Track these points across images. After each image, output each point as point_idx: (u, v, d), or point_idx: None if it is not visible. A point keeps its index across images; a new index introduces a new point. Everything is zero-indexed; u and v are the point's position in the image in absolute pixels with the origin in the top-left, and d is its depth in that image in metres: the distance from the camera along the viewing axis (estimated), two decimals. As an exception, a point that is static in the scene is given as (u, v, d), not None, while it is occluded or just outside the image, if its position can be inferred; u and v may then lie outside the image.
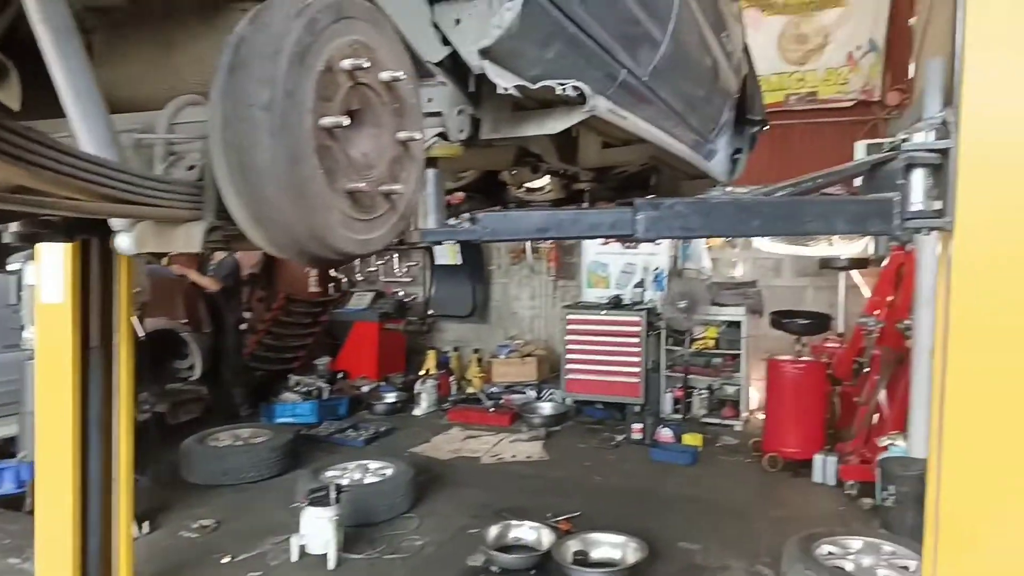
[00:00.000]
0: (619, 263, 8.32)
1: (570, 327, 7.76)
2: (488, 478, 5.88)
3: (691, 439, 6.64)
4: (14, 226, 1.88)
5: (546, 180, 3.64)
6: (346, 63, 1.16)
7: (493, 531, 4.47)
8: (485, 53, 1.64)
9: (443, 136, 1.77)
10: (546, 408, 7.75)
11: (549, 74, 1.77)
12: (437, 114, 1.74)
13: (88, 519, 3.56)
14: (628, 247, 8.11)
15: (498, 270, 9.55)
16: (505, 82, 1.66)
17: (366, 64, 1.19)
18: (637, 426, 6.89)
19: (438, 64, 1.69)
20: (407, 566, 4.28)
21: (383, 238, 1.33)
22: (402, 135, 1.33)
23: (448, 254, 8.89)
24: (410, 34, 1.58)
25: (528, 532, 4.53)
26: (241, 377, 7.60)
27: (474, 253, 8.97)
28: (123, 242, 1.24)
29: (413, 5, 1.62)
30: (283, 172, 1.06)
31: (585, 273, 8.54)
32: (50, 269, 3.40)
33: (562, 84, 1.72)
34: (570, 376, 7.71)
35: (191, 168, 1.22)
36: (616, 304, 7.80)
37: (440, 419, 7.73)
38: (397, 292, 9.71)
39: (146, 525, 4.73)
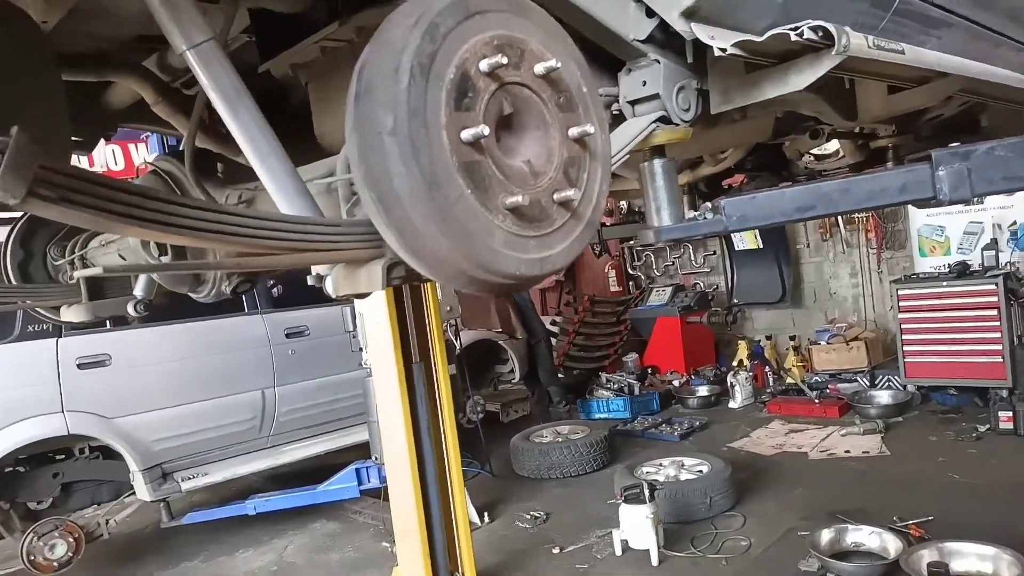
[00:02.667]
0: (959, 223, 7.05)
1: (904, 304, 6.76)
2: (818, 476, 5.35)
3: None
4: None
5: (834, 144, 3.18)
6: (484, 64, 1.02)
7: (826, 535, 4.03)
8: (691, 14, 1.41)
9: (665, 120, 1.55)
10: (883, 397, 6.85)
11: (786, 21, 1.47)
12: (654, 96, 1.52)
13: (430, 510, 4.01)
14: (975, 202, 6.82)
15: (806, 248, 8.73)
16: (721, 42, 1.41)
17: (508, 61, 1.04)
18: (1005, 414, 5.73)
19: (647, 40, 1.49)
20: (733, 567, 4.06)
21: (566, 252, 1.16)
22: (575, 131, 1.15)
23: (747, 238, 8.36)
24: (606, 14, 1.41)
25: (869, 537, 4.00)
26: (556, 377, 8.03)
27: (776, 234, 8.31)
28: (328, 286, 1.22)
29: None
30: (424, 200, 0.96)
31: (915, 240, 7.39)
32: (372, 299, 3.91)
33: (795, 28, 1.40)
34: (910, 359, 6.71)
35: None
36: (962, 272, 6.60)
37: (759, 412, 7.28)
38: (697, 284, 9.42)
39: (486, 515, 5.19)
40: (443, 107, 0.98)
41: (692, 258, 9.55)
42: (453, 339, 5.72)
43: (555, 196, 1.13)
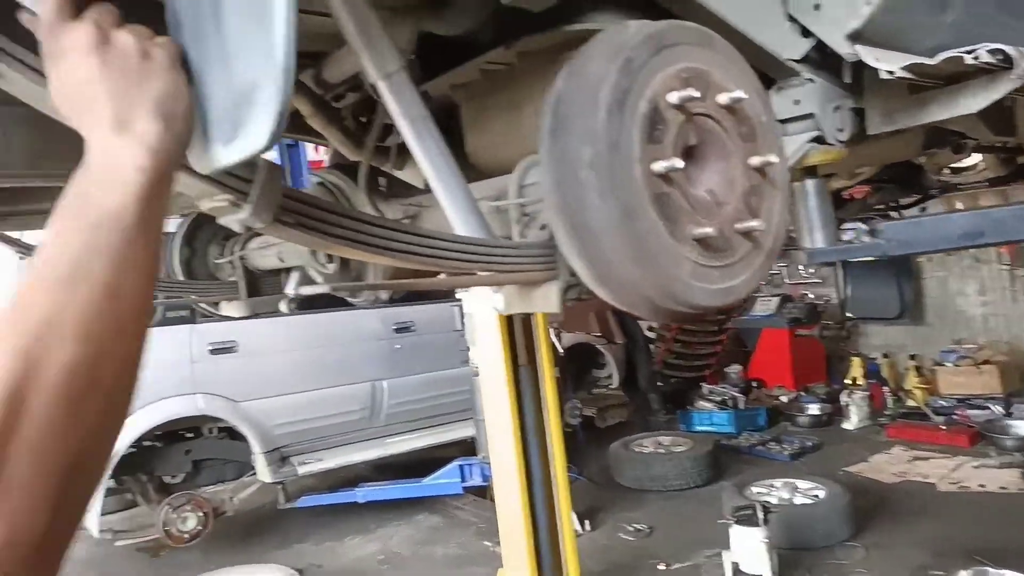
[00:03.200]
0: (1117, 242, 6.43)
1: (1046, 327, 6.24)
2: (948, 509, 5.00)
3: None
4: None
5: (976, 158, 2.97)
6: (673, 97, 1.04)
7: (963, 576, 3.77)
8: (856, 37, 1.37)
9: (819, 140, 1.50)
10: (1022, 428, 6.34)
11: (954, 41, 1.40)
12: (808, 116, 1.49)
13: (536, 513, 4.02)
14: None
15: (929, 262, 8.16)
16: (889, 64, 1.36)
17: (697, 93, 1.05)
18: None
19: (801, 60, 1.46)
20: (854, 602, 3.86)
21: (748, 283, 1.16)
22: (755, 161, 1.15)
23: (867, 249, 7.94)
24: (761, 34, 1.39)
25: (1013, 583, 3.71)
26: (655, 384, 7.88)
27: (899, 245, 7.83)
28: (498, 304, 1.27)
29: (761, 1, 1.41)
30: (618, 230, 0.99)
31: (1061, 257, 6.79)
32: (480, 300, 3.97)
33: (971, 51, 1.33)
34: (1052, 388, 6.19)
35: (543, 228, 1.19)
36: (1117, 295, 6.02)
37: (876, 435, 6.89)
38: (806, 295, 8.99)
39: (587, 523, 5.16)
40: (637, 140, 1.01)
41: (801, 267, 9.13)
42: (556, 341, 5.73)
43: (738, 226, 1.14)
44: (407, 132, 1.15)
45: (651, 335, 8.63)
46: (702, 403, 7.79)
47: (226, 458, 5.37)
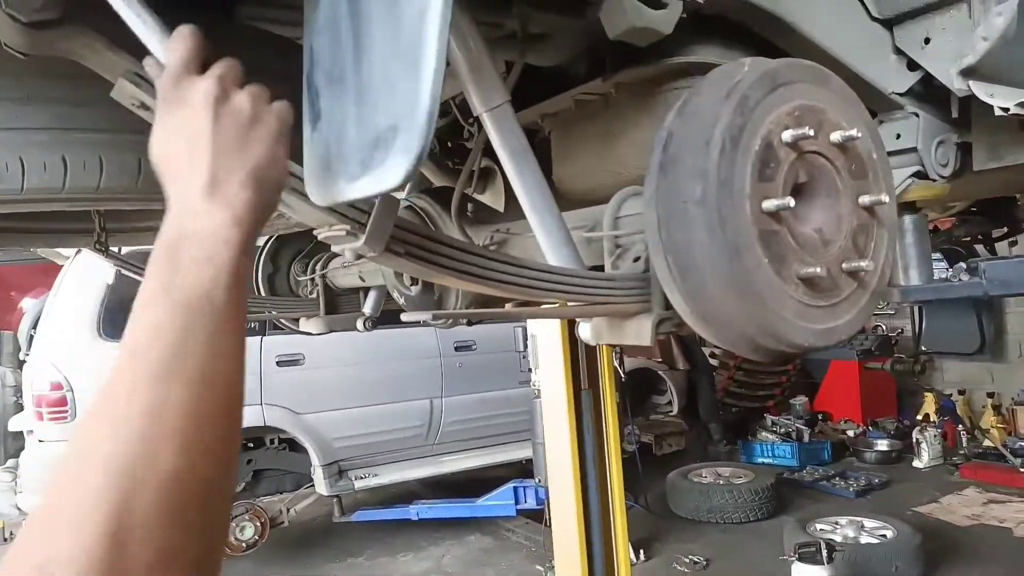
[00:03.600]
0: None
1: None
2: (1025, 557, 4.75)
3: None
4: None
5: None
6: (787, 135, 1.03)
7: (1042, 630, 3.56)
8: (969, 72, 1.34)
9: (920, 174, 1.49)
10: (1104, 474, 5.99)
11: None
12: (910, 150, 1.48)
13: (591, 540, 3.97)
14: None
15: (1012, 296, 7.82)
16: (1004, 101, 1.34)
17: (810, 132, 1.04)
18: None
19: (906, 93, 1.45)
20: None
21: (852, 324, 1.14)
22: (865, 200, 1.13)
23: (945, 281, 7.64)
24: (866, 67, 1.38)
25: (1099, 641, 3.48)
26: (716, 413, 7.71)
27: (979, 277, 7.52)
28: (584, 333, 1.26)
29: (867, 34, 1.40)
30: (724, 268, 0.99)
31: None
32: (545, 322, 3.96)
33: None
34: None
35: (636, 260, 1.19)
36: None
37: (949, 475, 6.59)
38: (878, 326, 8.70)
39: (642, 553, 5.07)
40: (748, 178, 1.01)
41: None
42: (617, 367, 5.67)
43: (844, 266, 1.12)
44: (508, 163, 1.18)
45: (714, 363, 8.46)
46: (765, 434, 7.59)
47: (286, 469, 5.47)
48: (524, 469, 5.66)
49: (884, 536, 4.61)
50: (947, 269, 1.69)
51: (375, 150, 0.67)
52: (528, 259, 1.05)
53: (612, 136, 1.47)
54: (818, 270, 1.06)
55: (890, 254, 1.21)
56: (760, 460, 7.14)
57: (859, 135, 1.10)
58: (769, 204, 1.01)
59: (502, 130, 1.14)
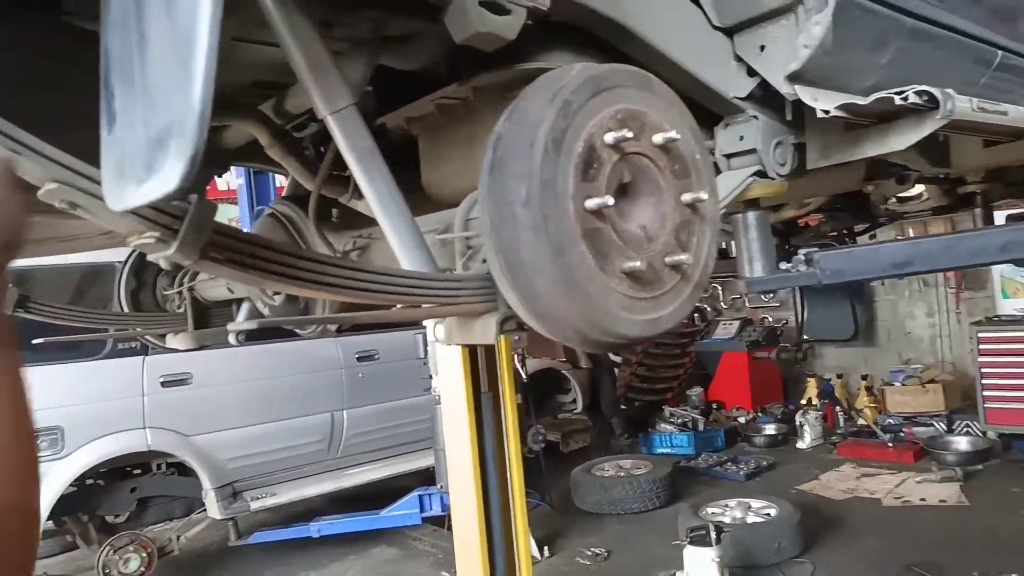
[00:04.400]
0: (1047, 264, 6.73)
1: (984, 347, 6.51)
2: (892, 525, 5.13)
3: None
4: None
5: (919, 188, 3.12)
6: (609, 137, 1.09)
7: (904, 589, 3.87)
8: (795, 77, 1.46)
9: (761, 173, 1.59)
10: (961, 443, 6.57)
11: (889, 81, 1.51)
12: (751, 151, 1.58)
13: (493, 542, 4.01)
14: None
15: (882, 286, 8.45)
16: (825, 104, 1.46)
17: (631, 134, 1.10)
18: (1099, 468, 5.41)
19: (747, 98, 1.55)
20: (803, 618, 3.92)
21: (676, 313, 1.21)
22: (687, 197, 1.20)
23: (819, 273, 8.16)
24: (709, 73, 1.47)
25: (952, 594, 3.82)
26: (618, 408, 7.94)
27: (850, 269, 8.06)
28: (439, 335, 1.30)
29: (709, 42, 1.49)
30: (550, 266, 1.03)
31: (998, 282, 7.09)
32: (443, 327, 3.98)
33: (900, 92, 1.43)
34: (991, 405, 6.42)
35: (485, 260, 1.22)
36: (1049, 315, 6.31)
37: (828, 454, 7.05)
38: (765, 318, 9.22)
39: (546, 550, 5.15)
40: (571, 178, 1.05)
41: (762, 292, 9.36)
42: (519, 368, 5.74)
43: (667, 260, 1.18)
44: (355, 167, 1.19)
45: (617, 359, 8.72)
46: (663, 425, 7.87)
47: (174, 495, 5.22)
48: (430, 477, 5.63)
49: (769, 515, 4.89)
50: (787, 261, 1.81)
51: (157, 152, 0.66)
52: (366, 263, 1.07)
53: (475, 140, 1.50)
54: (641, 264, 1.11)
55: (712, 248, 1.28)
56: (660, 451, 7.41)
57: (679, 137, 1.17)
58: (592, 203, 1.06)
59: (348, 133, 1.15)
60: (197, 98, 0.64)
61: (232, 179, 8.19)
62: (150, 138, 0.68)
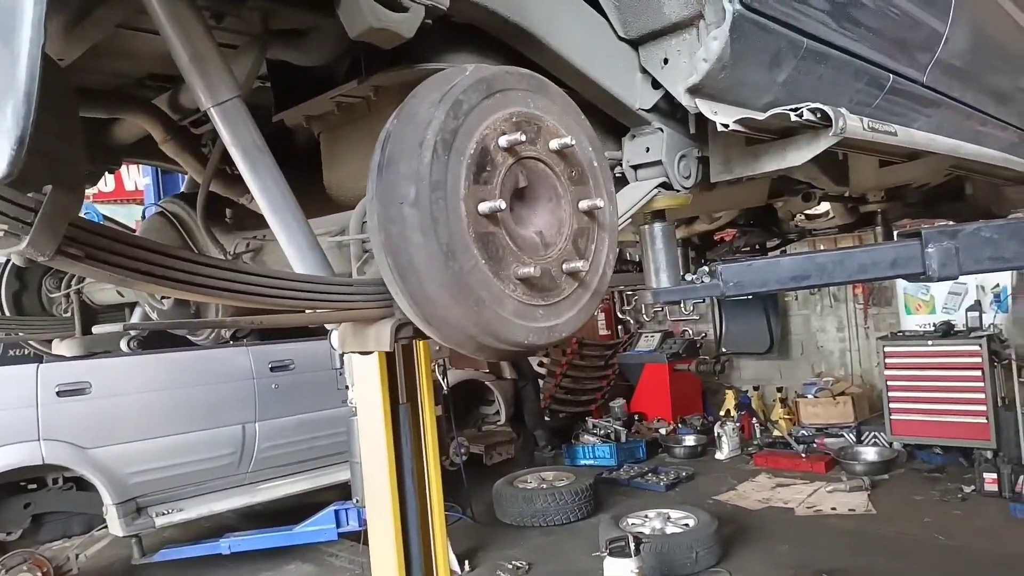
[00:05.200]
0: (943, 285, 7.13)
1: (890, 361, 6.82)
2: (804, 533, 5.30)
3: (1071, 494, 5.32)
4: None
5: (825, 205, 3.25)
6: (503, 140, 1.06)
7: (813, 596, 3.98)
8: (696, 91, 1.48)
9: (666, 185, 1.61)
10: (869, 453, 6.86)
11: (786, 99, 1.55)
12: (656, 163, 1.59)
13: (411, 557, 3.92)
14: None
15: (795, 301, 8.79)
16: (724, 117, 1.48)
17: (524, 137, 1.08)
18: (990, 476, 5.73)
19: (652, 110, 1.56)
20: (717, 627, 3.98)
21: (573, 321, 1.19)
22: (585, 204, 1.19)
23: (738, 288, 8.41)
24: (614, 84, 1.47)
25: (857, 600, 3.95)
26: (542, 420, 7.94)
27: (767, 284, 8.35)
28: (334, 342, 1.25)
29: (616, 53, 1.50)
30: (439, 269, 0.99)
31: (901, 298, 7.46)
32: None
33: (795, 109, 1.47)
34: (896, 417, 6.73)
35: None
36: (947, 332, 6.67)
37: (745, 464, 7.24)
38: (685, 331, 9.43)
39: (467, 563, 5.07)
40: (463, 180, 1.02)
41: (682, 305, 9.55)
42: (440, 379, 5.66)
43: (564, 266, 1.16)
44: (241, 163, 1.12)
45: (541, 371, 8.73)
46: (587, 437, 7.92)
47: (72, 511, 4.90)
48: (347, 491, 5.48)
49: (687, 525, 4.96)
50: (692, 273, 1.83)
51: None
52: (253, 265, 1.00)
53: (373, 140, 1.46)
54: (536, 270, 1.08)
55: (611, 256, 1.26)
56: (583, 462, 7.45)
57: (574, 143, 1.15)
58: (485, 207, 1.03)
59: (232, 127, 1.09)
60: (22, 76, 0.59)
61: (140, 178, 7.83)
62: None
